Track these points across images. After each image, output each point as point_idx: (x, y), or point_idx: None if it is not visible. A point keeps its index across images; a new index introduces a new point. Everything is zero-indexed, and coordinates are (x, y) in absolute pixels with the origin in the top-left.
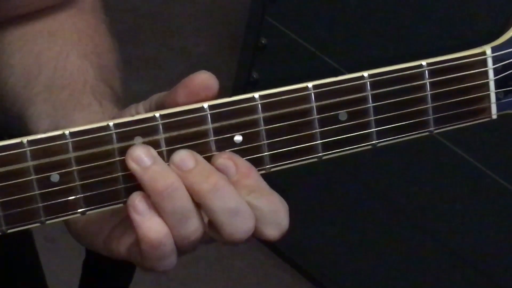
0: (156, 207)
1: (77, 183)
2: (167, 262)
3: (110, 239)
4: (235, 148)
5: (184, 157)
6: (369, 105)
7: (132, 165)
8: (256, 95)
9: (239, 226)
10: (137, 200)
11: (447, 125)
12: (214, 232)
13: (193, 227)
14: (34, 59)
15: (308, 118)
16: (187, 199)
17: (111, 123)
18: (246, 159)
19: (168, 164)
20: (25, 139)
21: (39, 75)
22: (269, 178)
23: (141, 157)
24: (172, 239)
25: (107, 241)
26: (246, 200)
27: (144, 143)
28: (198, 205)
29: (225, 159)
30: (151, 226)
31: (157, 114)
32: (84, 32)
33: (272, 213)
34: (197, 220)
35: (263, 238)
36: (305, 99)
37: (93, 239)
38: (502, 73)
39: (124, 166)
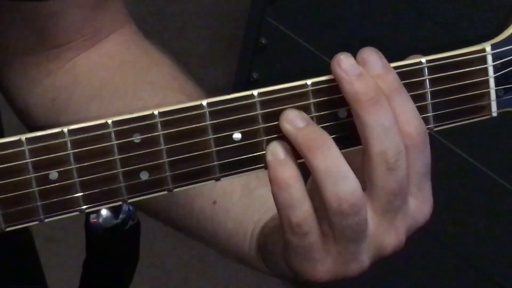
0: (308, 164)
1: (76, 180)
2: (298, 211)
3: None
4: (234, 145)
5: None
6: None
7: (286, 126)
8: (255, 92)
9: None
10: (279, 146)
11: (447, 122)
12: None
13: (348, 187)
14: None
15: (307, 115)
16: (340, 158)
17: (109, 121)
18: (245, 157)
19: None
20: (23, 137)
21: None
22: None
23: (296, 119)
24: (301, 182)
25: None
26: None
27: (142, 140)
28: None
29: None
30: (284, 170)
31: (155, 112)
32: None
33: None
34: (353, 181)
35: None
36: (304, 96)
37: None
38: (502, 71)
39: (123, 163)
